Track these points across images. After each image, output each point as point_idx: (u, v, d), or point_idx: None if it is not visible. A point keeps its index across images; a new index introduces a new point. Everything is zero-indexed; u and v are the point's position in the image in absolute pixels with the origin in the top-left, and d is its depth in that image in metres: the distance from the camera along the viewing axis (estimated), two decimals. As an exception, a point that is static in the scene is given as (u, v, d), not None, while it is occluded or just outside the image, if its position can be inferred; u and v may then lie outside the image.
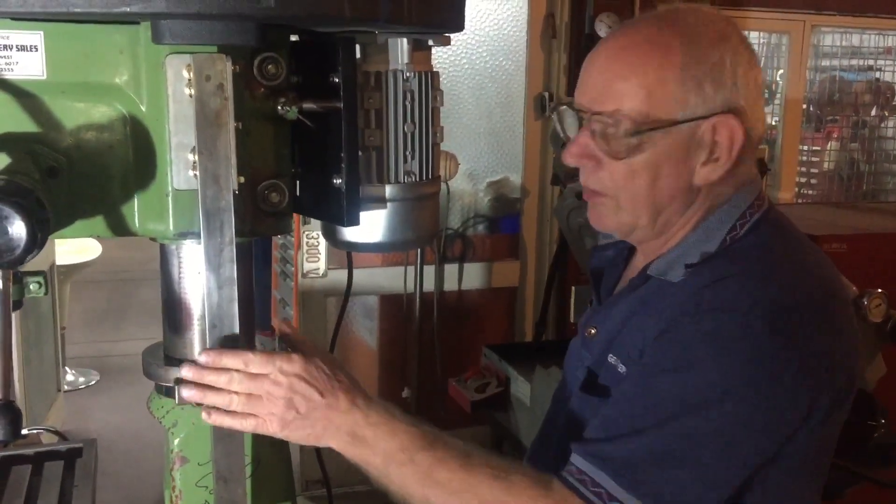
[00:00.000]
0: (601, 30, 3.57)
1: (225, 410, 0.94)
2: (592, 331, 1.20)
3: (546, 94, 3.72)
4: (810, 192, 4.67)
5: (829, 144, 4.66)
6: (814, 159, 4.63)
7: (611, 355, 1.11)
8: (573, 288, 3.10)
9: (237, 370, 0.94)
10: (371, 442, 1.02)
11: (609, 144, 1.05)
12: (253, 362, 0.94)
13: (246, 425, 0.95)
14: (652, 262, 1.12)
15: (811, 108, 4.48)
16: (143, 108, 0.91)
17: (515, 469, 1.03)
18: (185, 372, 0.93)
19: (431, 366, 3.66)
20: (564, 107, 1.13)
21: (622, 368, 1.09)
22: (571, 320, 3.09)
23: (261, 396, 0.95)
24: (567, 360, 1.33)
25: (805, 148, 4.52)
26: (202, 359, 0.93)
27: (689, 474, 0.96)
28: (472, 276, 3.80)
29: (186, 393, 0.93)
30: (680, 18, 1.06)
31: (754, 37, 4.15)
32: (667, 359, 1.01)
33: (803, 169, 4.55)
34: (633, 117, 1.03)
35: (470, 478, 1.02)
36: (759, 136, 1.09)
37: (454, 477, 1.02)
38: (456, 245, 3.79)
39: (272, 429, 0.96)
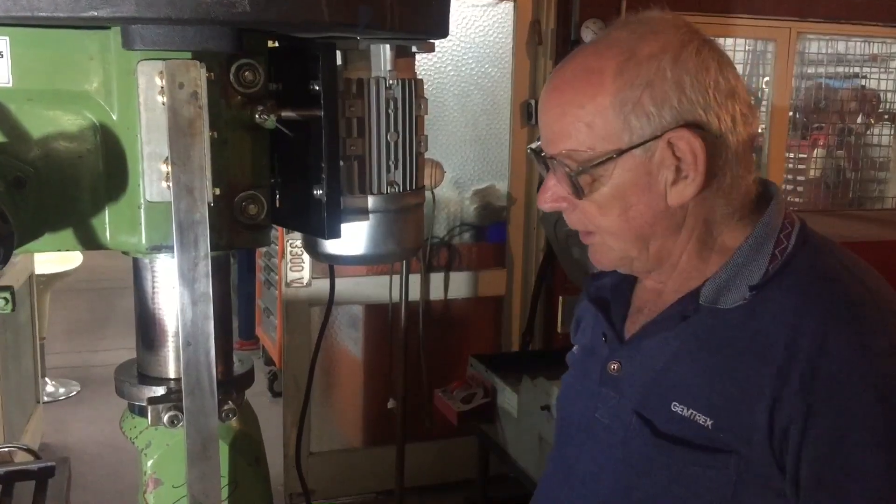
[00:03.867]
0: (587, 36, 3.56)
1: None
2: (614, 366, 1.11)
3: (532, 102, 3.70)
4: (797, 199, 4.68)
5: (815, 152, 4.68)
6: (800, 167, 4.64)
7: (675, 404, 1.02)
8: (560, 297, 3.07)
9: None
10: None
11: (568, 185, 1.02)
12: None
13: None
14: (700, 286, 1.04)
15: (797, 116, 4.49)
16: (115, 117, 0.87)
17: None
18: None
19: (417, 376, 3.63)
20: (531, 152, 1.10)
21: (704, 421, 1.00)
22: (559, 330, 3.07)
23: None
24: (569, 398, 1.24)
25: (791, 155, 4.53)
26: None
27: None
28: (458, 285, 3.77)
29: None
30: (618, 38, 1.01)
31: (740, 44, 4.16)
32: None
33: (789, 176, 4.56)
34: (577, 156, 1.00)
35: None
36: (744, 139, 1.02)
37: None
38: (442, 254, 3.76)
39: None
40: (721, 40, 3.96)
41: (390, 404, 3.58)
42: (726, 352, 1.01)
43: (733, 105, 1.00)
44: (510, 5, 3.66)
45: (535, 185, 3.69)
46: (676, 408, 1.02)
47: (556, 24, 3.65)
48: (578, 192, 1.02)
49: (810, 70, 4.45)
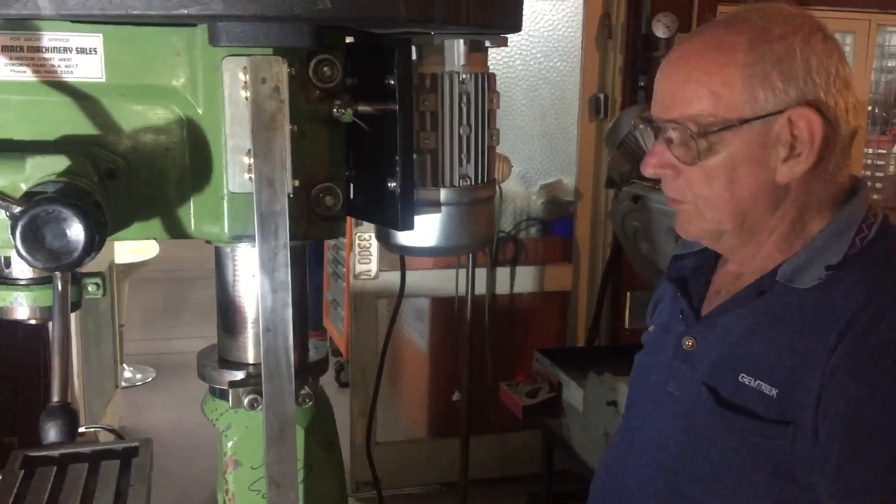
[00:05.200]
0: (658, 30, 3.51)
1: None
2: (689, 342, 1.15)
3: (601, 96, 3.67)
4: (875, 196, 4.54)
5: (894, 147, 4.52)
6: (879, 163, 4.50)
7: (743, 375, 1.06)
8: (628, 293, 3.04)
9: None
10: None
11: (681, 150, 1.05)
12: None
13: None
14: (778, 266, 1.07)
15: (877, 110, 4.35)
16: (200, 111, 0.90)
17: None
18: None
19: (482, 369, 3.65)
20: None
21: (770, 390, 1.03)
22: (627, 326, 3.05)
23: None
24: (641, 373, 1.28)
25: (870, 151, 4.39)
26: None
27: None
28: (525, 279, 3.77)
29: None
30: (747, 18, 1.05)
31: (817, 36, 4.04)
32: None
33: (868, 173, 4.43)
34: (700, 120, 1.03)
35: None
36: (850, 130, 1.06)
37: None
38: (508, 248, 3.76)
39: None
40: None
41: (455, 397, 3.60)
42: (796, 326, 1.04)
43: (847, 95, 1.04)
44: (580, -1, 3.64)
45: (602, 181, 3.66)
46: (744, 378, 1.05)
47: (626, 17, 3.61)
48: (690, 157, 1.04)
49: (891, 63, 4.30)
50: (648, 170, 1.10)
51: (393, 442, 3.77)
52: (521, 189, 3.80)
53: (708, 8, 3.61)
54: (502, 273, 3.74)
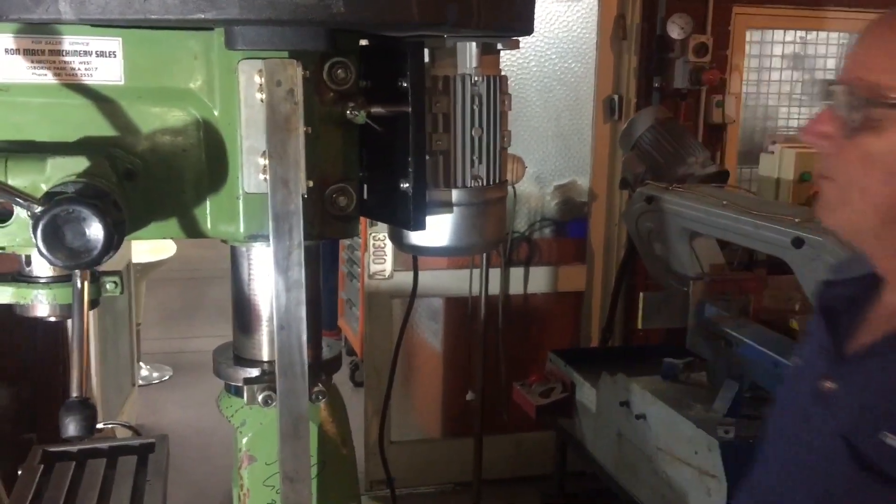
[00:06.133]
0: (673, 31, 3.51)
1: None
2: (828, 384, 1.00)
3: (616, 97, 3.67)
4: None
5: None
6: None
7: (885, 433, 0.90)
8: (641, 294, 3.04)
9: None
10: None
11: (843, 114, 0.93)
12: None
13: None
14: None
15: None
16: (216, 113, 0.92)
17: None
18: None
19: (496, 369, 3.66)
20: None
21: None
22: (639, 327, 3.05)
23: None
24: (778, 410, 1.13)
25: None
26: None
27: None
28: (538, 279, 3.77)
29: None
30: None
31: (833, 38, 4.02)
32: None
33: None
34: (874, 90, 0.90)
35: None
36: None
37: None
38: (522, 248, 3.77)
39: None
40: (813, 34, 3.85)
41: (469, 396, 3.61)
42: None
43: None
44: (594, 0, 3.64)
45: (616, 182, 3.66)
46: (885, 437, 0.91)
47: (641, 19, 3.61)
48: (850, 125, 0.92)
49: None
50: (806, 136, 0.98)
51: (407, 441, 3.78)
52: (535, 190, 3.80)
53: (723, 9, 3.60)
54: (516, 273, 3.74)
